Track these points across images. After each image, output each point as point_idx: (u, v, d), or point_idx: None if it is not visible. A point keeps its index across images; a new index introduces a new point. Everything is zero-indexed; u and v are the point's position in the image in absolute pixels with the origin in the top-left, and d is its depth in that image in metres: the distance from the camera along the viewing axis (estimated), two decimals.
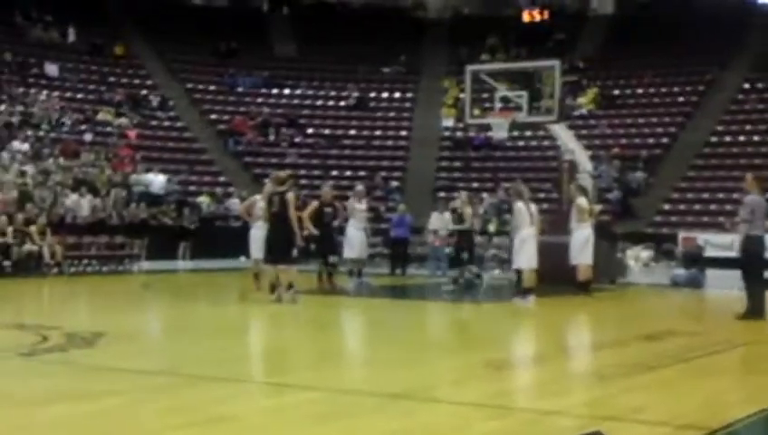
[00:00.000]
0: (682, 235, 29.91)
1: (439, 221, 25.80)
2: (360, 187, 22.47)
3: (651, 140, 37.48)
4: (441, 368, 9.82)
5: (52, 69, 37.70)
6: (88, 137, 33.91)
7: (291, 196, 16.53)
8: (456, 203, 23.38)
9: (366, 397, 7.80)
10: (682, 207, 33.71)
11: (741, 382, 8.83)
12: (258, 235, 17.84)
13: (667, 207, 33.93)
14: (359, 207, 20.74)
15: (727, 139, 36.69)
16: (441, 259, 25.68)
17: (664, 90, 39.91)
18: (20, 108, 33.45)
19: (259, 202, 18.15)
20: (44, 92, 35.62)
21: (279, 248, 16.36)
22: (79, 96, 37.34)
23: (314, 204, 19.80)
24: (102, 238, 25.61)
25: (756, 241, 14.44)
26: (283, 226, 16.32)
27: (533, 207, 17.49)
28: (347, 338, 13.34)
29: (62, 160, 30.48)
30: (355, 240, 20.55)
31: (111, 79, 39.29)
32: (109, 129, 35.48)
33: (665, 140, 37.38)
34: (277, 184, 16.83)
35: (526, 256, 16.92)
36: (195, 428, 6.46)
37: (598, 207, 21.15)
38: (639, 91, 40.31)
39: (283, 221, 16.31)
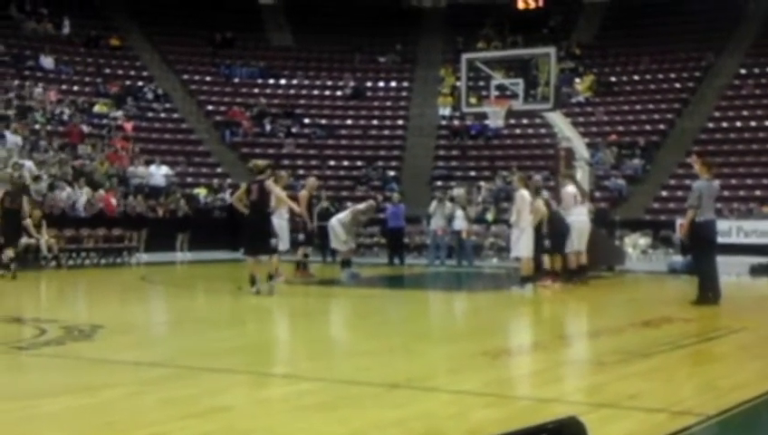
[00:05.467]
0: (679, 221, 29.88)
1: (439, 210, 25.92)
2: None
3: (648, 127, 37.48)
4: (439, 357, 9.84)
5: (47, 61, 37.65)
6: (84, 129, 33.87)
7: (269, 184, 16.14)
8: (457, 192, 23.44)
9: (363, 387, 7.82)
10: (679, 193, 33.65)
11: (736, 368, 8.84)
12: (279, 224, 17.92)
13: (664, 193, 33.94)
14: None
15: (724, 125, 36.73)
16: (441, 248, 25.80)
17: (661, 76, 39.90)
18: (16, 101, 33.39)
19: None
20: (40, 85, 35.58)
21: (259, 239, 15.98)
22: (75, 88, 37.31)
23: (304, 193, 19.82)
24: (100, 231, 25.58)
25: (706, 226, 14.32)
26: (262, 215, 15.96)
27: (545, 194, 17.64)
28: (343, 328, 13.36)
29: (58, 153, 30.44)
30: (340, 231, 20.24)
31: (107, 71, 39.25)
32: (105, 121, 35.45)
33: (662, 126, 37.38)
34: (256, 172, 16.39)
35: (526, 245, 16.97)
36: (192, 419, 6.47)
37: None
38: (636, 77, 40.28)
39: (261, 211, 15.91)
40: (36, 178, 27.37)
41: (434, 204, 26.39)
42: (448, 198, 27.69)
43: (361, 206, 20.91)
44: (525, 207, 16.94)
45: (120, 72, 39.71)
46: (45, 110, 33.80)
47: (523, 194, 17.03)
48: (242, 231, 16.72)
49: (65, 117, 34.07)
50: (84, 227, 25.55)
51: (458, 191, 31.23)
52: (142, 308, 15.76)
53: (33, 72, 36.70)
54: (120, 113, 36.24)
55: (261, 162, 17.17)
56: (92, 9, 41.85)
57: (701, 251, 14.73)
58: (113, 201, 28.44)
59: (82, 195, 27.65)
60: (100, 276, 22.60)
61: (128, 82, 38.99)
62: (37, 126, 32.41)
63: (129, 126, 35.79)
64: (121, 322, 12.51)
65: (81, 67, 38.88)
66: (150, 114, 38.08)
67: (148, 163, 32.83)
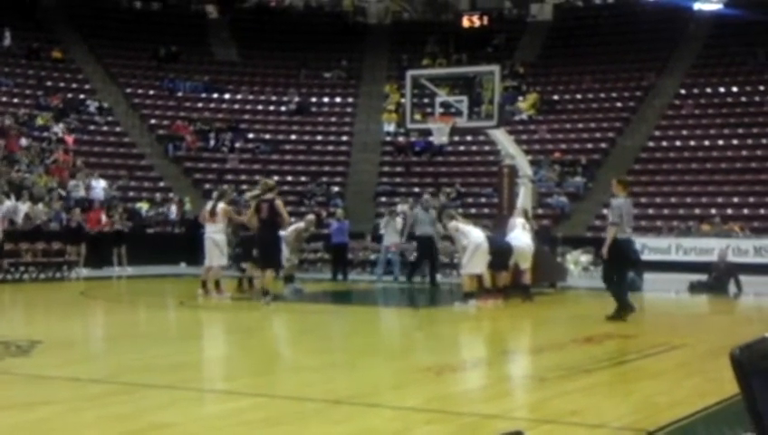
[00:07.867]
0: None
1: (390, 227, 25.97)
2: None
3: (590, 145, 37.87)
4: (382, 373, 9.83)
5: None
6: (24, 142, 33.42)
7: (279, 202, 17.16)
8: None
9: (307, 402, 7.79)
10: None
11: (676, 385, 8.94)
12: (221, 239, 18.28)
13: (605, 211, 34.19)
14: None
15: (664, 144, 37.22)
16: (393, 264, 25.83)
17: (602, 95, 40.37)
18: None
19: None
20: None
21: (270, 254, 17.17)
22: (15, 101, 36.78)
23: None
24: (39, 245, 25.17)
25: (625, 244, 14.94)
26: (272, 231, 17.07)
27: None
28: (287, 344, 13.31)
29: None
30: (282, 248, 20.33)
31: (49, 83, 38.76)
32: (46, 134, 35.00)
33: (603, 145, 37.79)
34: (265, 190, 17.36)
35: (481, 262, 17.14)
36: None
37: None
38: (578, 96, 40.70)
39: (271, 227, 17.00)
40: None
41: (384, 220, 26.38)
42: (398, 214, 27.70)
43: (302, 224, 20.88)
44: (466, 230, 17.33)
45: (62, 84, 39.21)
46: None
47: (455, 225, 17.66)
48: (255, 247, 17.83)
49: (5, 129, 33.53)
50: (23, 240, 25.13)
51: (402, 207, 31.25)
52: (82, 323, 15.55)
53: None
54: (61, 126, 35.79)
55: (270, 181, 18.38)
56: (34, 21, 41.32)
57: (623, 267, 15.23)
58: (103, 217, 28.62)
59: (23, 208, 27.25)
60: (38, 291, 22.26)
61: (69, 95, 38.51)
62: None
63: (70, 139, 35.37)
64: (60, 337, 12.34)
65: (21, 80, 38.36)
66: (92, 127, 37.66)
67: (88, 177, 32.44)
